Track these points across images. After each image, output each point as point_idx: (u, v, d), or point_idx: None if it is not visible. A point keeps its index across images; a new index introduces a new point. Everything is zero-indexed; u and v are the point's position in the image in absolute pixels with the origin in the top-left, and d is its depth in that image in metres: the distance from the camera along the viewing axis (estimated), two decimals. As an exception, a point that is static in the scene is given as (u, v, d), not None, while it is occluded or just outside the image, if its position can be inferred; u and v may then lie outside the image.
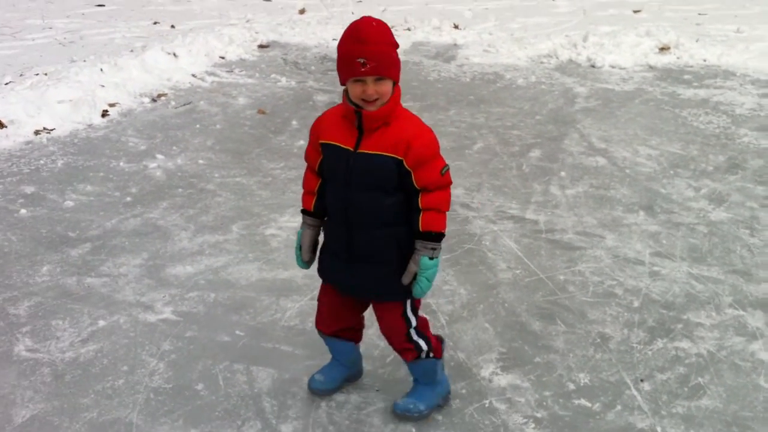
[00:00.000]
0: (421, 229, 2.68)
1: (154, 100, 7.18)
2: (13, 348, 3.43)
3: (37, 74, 7.49)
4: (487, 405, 3.16)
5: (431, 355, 2.96)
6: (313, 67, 8.59)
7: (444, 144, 6.16)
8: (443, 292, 3.99)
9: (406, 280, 2.74)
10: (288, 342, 3.53)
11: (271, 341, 3.54)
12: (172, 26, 10.32)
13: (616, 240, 4.59)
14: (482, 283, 4.09)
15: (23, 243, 4.40)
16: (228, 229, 4.61)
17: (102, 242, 4.43)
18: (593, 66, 8.74)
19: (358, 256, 2.74)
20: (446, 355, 3.45)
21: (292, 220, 4.71)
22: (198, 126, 6.44)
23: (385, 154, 2.59)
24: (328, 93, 7.61)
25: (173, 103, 7.13)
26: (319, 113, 6.79)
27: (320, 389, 3.13)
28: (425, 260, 2.70)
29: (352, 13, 11.54)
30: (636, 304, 3.91)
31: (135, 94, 7.29)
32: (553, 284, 4.09)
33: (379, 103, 2.56)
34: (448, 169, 2.70)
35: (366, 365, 3.37)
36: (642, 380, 3.32)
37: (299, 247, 2.91)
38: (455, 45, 9.73)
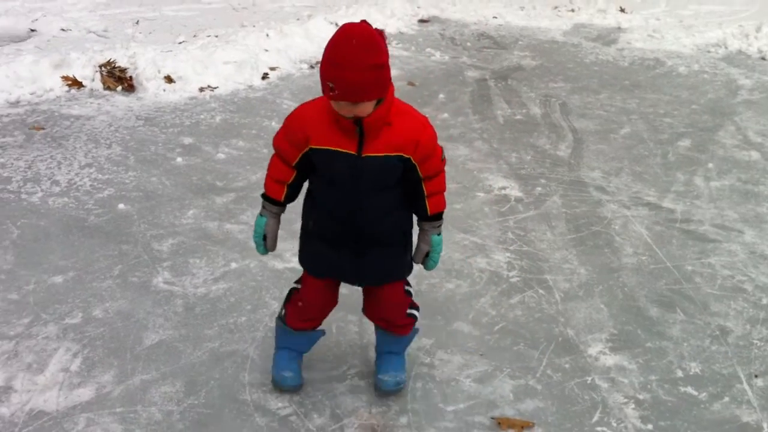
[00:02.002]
0: (429, 213, 2.71)
1: (311, 67, 7.49)
2: (152, 279, 3.76)
3: (209, 36, 7.99)
4: (588, 381, 3.16)
5: (414, 323, 3.02)
6: (468, 44, 8.64)
7: (589, 127, 6.12)
8: (562, 270, 3.99)
9: (418, 259, 2.81)
10: (402, 300, 3.66)
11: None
12: (339, -2, 10.65)
13: (755, 236, 4.40)
14: (604, 266, 4.05)
15: (175, 188, 4.77)
16: (362, 191, 4.79)
17: (245, 193, 4.72)
18: (764, 58, 8.29)
19: (367, 244, 2.68)
20: (555, 330, 3.49)
21: (425, 188, 4.83)
22: (349, 93, 6.67)
23: (393, 154, 2.51)
24: (480, 69, 7.65)
25: (329, 70, 7.41)
26: (468, 88, 7.00)
27: (295, 385, 3.00)
28: (435, 238, 2.76)
29: (517, -8, 11.46)
30: (765, 301, 3.76)
31: (295, 60, 7.63)
32: (679, 273, 3.99)
33: (357, 117, 2.42)
34: (443, 152, 2.71)
35: (474, 331, 3.46)
36: (756, 376, 3.21)
37: (263, 237, 2.77)
38: (619, 29, 9.49)
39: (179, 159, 5.20)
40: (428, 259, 2.81)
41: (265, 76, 7.08)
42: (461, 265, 4.01)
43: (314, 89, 6.75)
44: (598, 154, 5.58)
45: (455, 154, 5.49)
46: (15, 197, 4.55)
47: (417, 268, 2.88)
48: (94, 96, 6.42)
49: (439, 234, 2.78)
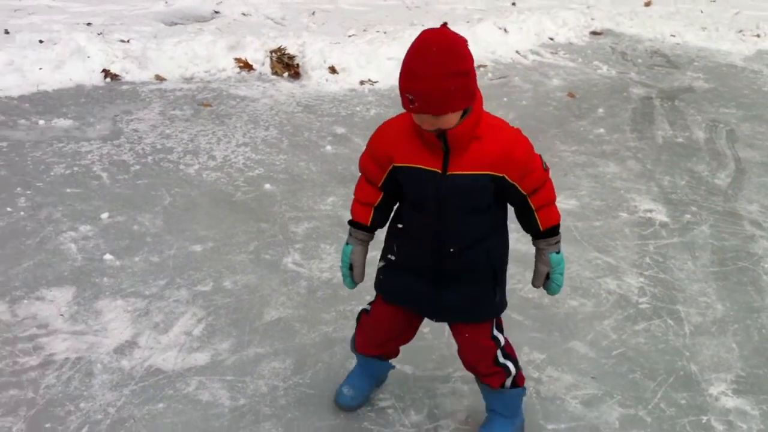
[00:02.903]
0: (542, 229, 2.44)
1: (473, 70, 7.49)
2: (283, 259, 3.90)
3: (378, 31, 8.16)
4: (703, 421, 3.00)
5: (517, 383, 2.70)
6: (639, 60, 8.34)
7: (755, 158, 5.78)
8: (697, 303, 3.79)
9: (538, 282, 2.53)
10: (520, 311, 3.61)
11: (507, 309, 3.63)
12: (513, 3, 10.56)
13: None
14: (744, 304, 3.82)
15: (320, 174, 4.92)
16: (500, 198, 4.75)
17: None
18: None
19: (449, 277, 2.45)
20: (678, 363, 3.33)
21: (566, 202, 4.72)
22: (505, 99, 6.63)
23: (483, 173, 2.27)
24: (647, 87, 7.38)
25: (490, 74, 7.39)
26: (631, 105, 6.79)
27: (348, 405, 2.88)
28: (554, 257, 2.47)
29: (701, 11, 10.95)
30: None
31: (458, 62, 7.65)
32: (827, 323, 3.70)
33: (441, 130, 2.20)
34: (542, 158, 2.42)
35: (590, 352, 3.36)
36: None
37: (349, 266, 2.59)
38: (808, 58, 8.86)
39: (329, 147, 5.36)
40: (550, 282, 2.52)
41: (425, 75, 7.14)
42: (589, 284, 3.90)
43: (472, 92, 6.75)
44: (760, 188, 5.25)
45: (604, 171, 5.33)
46: (174, 167, 4.85)
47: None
48: (262, 79, 6.72)
49: (558, 252, 2.49)
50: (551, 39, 8.83)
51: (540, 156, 2.40)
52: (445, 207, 2.32)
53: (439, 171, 2.27)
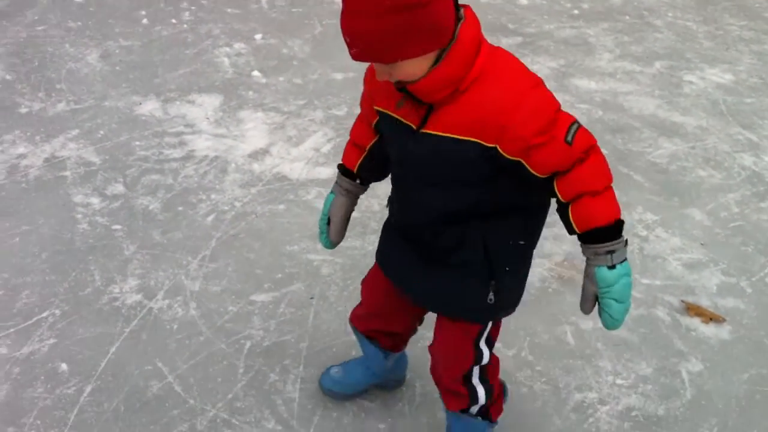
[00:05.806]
0: (578, 231, 1.63)
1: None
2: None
3: None
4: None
5: (487, 415, 2.04)
6: None
7: None
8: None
9: (586, 308, 1.71)
10: (643, 173, 3.59)
11: (629, 170, 3.63)
12: None
13: None
14: None
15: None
16: (649, 64, 4.61)
17: (532, 40, 4.77)
18: None
19: (438, 251, 1.79)
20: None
21: (720, 76, 4.54)
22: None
23: (461, 137, 1.57)
24: None
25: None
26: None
27: (329, 389, 2.34)
28: (603, 273, 1.64)
29: None
30: None
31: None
32: None
33: (409, 80, 1.55)
34: (579, 127, 1.58)
35: (706, 220, 3.32)
36: None
37: (326, 220, 2.02)
38: None
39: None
40: (601, 309, 1.68)
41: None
42: (724, 157, 3.79)
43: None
44: None
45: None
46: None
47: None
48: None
49: (612, 266, 1.63)
50: None
51: (571, 122, 1.58)
52: (411, 172, 1.73)
53: (414, 126, 1.64)
